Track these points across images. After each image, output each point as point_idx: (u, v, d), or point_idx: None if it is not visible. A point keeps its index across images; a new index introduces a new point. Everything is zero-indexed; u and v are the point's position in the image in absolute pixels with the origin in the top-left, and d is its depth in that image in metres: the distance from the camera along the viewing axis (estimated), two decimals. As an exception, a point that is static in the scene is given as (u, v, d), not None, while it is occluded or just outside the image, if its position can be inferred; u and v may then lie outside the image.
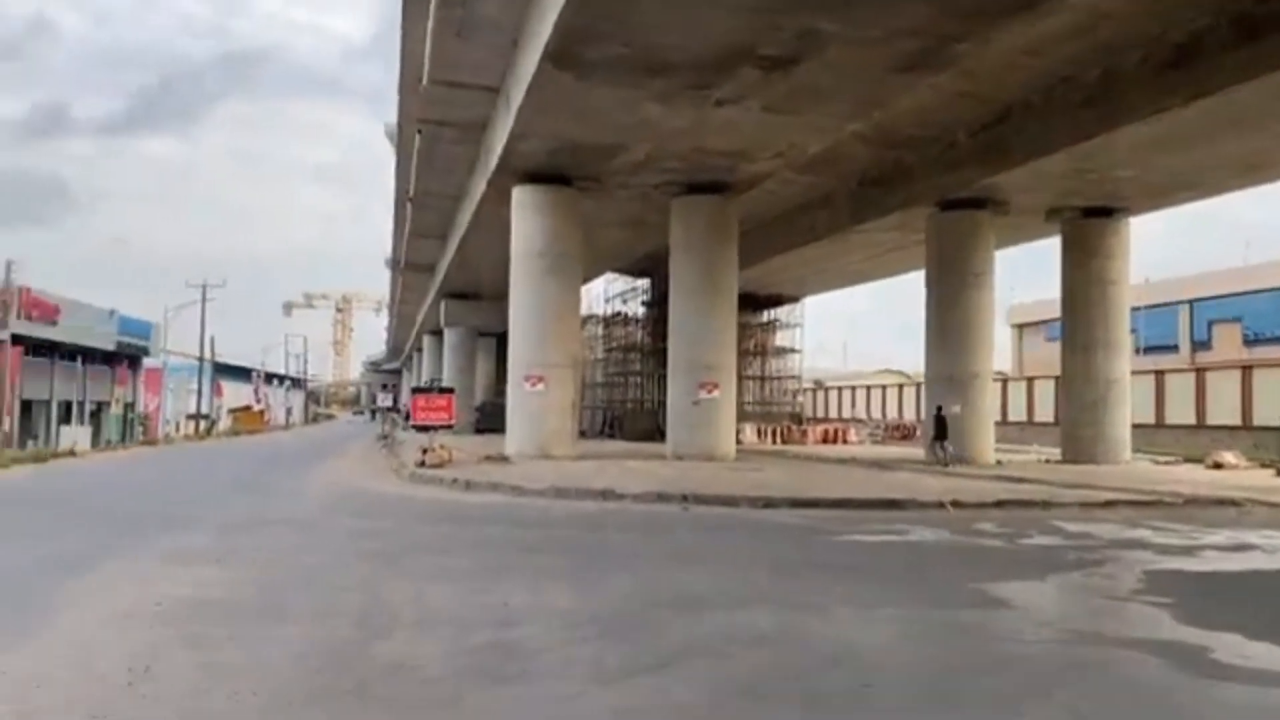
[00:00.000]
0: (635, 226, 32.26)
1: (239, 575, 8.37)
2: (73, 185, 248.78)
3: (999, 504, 14.69)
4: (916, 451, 36.02)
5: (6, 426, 34.08)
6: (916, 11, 15.02)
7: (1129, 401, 28.52)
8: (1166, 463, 27.34)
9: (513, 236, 25.76)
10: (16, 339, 41.59)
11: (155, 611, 6.84)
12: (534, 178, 24.89)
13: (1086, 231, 28.30)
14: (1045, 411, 44.10)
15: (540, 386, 24.60)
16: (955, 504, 14.36)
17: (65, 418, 50.00)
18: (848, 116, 20.42)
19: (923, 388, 60.51)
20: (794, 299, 49.78)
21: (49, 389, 48.40)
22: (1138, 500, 15.87)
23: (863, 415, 63.59)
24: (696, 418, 25.27)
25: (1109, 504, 15.34)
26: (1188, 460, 27.54)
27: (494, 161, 24.61)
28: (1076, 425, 28.54)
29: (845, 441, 42.65)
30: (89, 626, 6.42)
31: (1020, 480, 19.84)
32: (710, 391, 25.29)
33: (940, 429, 26.39)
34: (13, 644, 5.93)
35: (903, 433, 45.48)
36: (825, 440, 42.62)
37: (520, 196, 25.34)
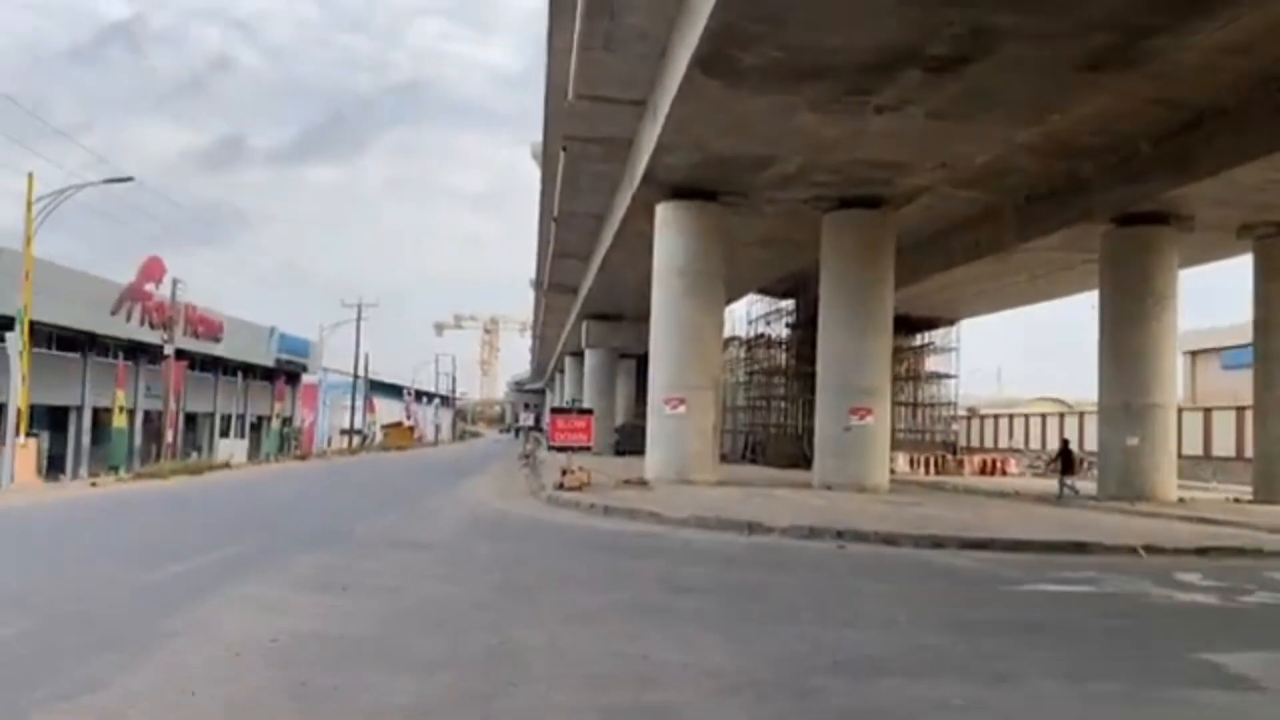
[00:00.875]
0: (781, 244, 31.16)
1: (364, 606, 7.76)
2: (247, 212, 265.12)
3: (1200, 551, 12.90)
4: (1086, 485, 33.50)
5: (170, 438, 35.48)
6: (1108, 1, 13.54)
7: (1335, 436, 25.58)
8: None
9: (655, 254, 25.07)
10: (181, 354, 43.57)
11: (268, 649, 6.24)
12: (679, 193, 24.16)
13: (1283, 249, 25.62)
14: (1224, 445, 40.64)
15: (680, 409, 23.75)
16: (1149, 549, 12.68)
17: (226, 431, 52.25)
18: (1020, 123, 18.83)
19: (1086, 417, 57.30)
20: (950, 322, 47.47)
21: (212, 402, 50.65)
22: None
23: (1020, 445, 60.30)
24: (847, 445, 23.89)
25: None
26: None
27: (638, 176, 24.01)
28: (1272, 461, 25.74)
29: (1005, 473, 40.24)
30: (194, 663, 5.85)
31: (1213, 522, 17.77)
32: (863, 418, 23.89)
33: (1067, 463, 26.33)
34: (110, 677, 5.41)
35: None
36: (983, 472, 40.32)
37: (664, 213, 24.64)
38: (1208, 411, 46.47)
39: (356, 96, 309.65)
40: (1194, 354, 59.65)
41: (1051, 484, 34.19)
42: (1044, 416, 64.35)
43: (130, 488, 20.86)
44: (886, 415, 25.13)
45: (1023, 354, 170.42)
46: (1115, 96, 20.63)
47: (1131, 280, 25.50)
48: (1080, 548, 12.74)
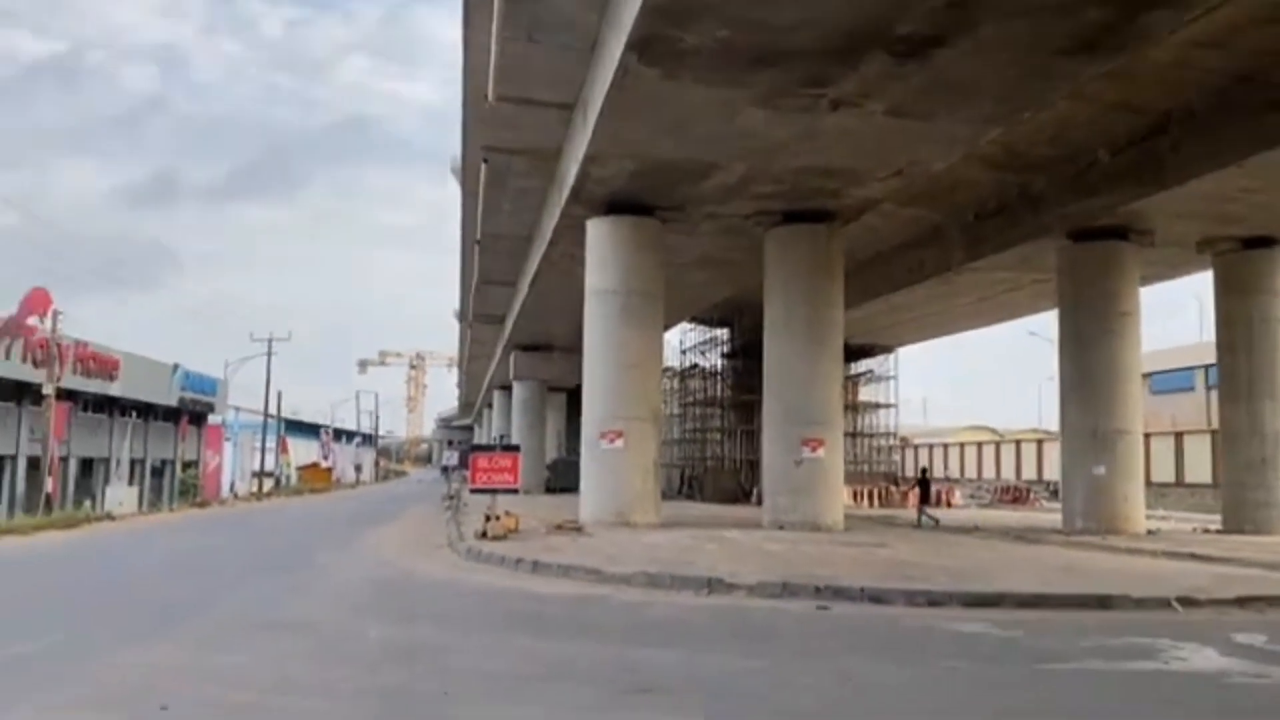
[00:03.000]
0: (720, 266, 29.20)
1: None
2: (178, 251, 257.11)
3: (1239, 602, 10.96)
4: (1040, 517, 32.07)
5: (51, 487, 31.92)
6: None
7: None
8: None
9: (587, 274, 22.85)
10: (71, 394, 39.94)
11: None
12: (612, 208, 22.04)
13: (1246, 265, 24.41)
14: (1163, 471, 39.84)
15: (618, 443, 21.47)
16: (1183, 602, 10.72)
17: (131, 477, 48.32)
18: (988, 121, 17.07)
19: (1023, 446, 56.49)
20: (887, 349, 46.07)
21: (108, 446, 46.78)
22: None
23: (955, 475, 59.30)
24: (800, 480, 21.80)
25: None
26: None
27: (567, 190, 21.85)
28: (1241, 488, 24.34)
29: (950, 505, 38.63)
30: None
31: (1210, 559, 16.03)
32: (815, 449, 21.86)
33: (925, 492, 27.33)
34: None
35: (1014, 495, 41.26)
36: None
37: (596, 230, 22.47)
38: (1147, 437, 45.89)
39: (287, 134, 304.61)
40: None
41: (1022, 514, 32.95)
42: (980, 445, 63.72)
43: (-27, 549, 17.77)
44: (839, 447, 23.17)
45: (948, 384, 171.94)
46: (1073, 105, 19.25)
47: (1092, 299, 24.07)
48: (1104, 603, 10.71)
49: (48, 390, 31.18)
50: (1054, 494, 45.95)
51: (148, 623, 9.20)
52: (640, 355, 22.14)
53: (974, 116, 16.61)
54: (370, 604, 10.66)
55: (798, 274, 22.62)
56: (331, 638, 8.50)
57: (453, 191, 31.90)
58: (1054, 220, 23.93)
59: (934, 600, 10.62)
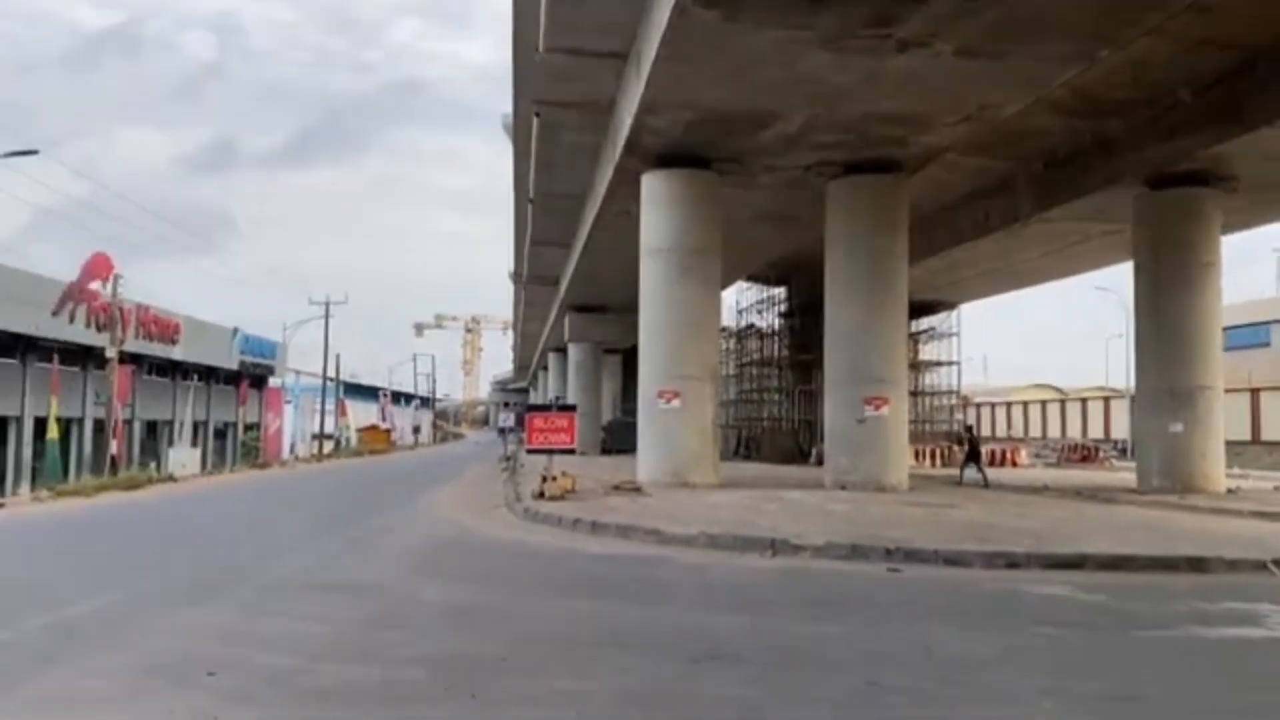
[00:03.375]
0: (778, 221, 28.47)
1: (224, 716, 5.01)
2: (236, 216, 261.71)
3: (1344, 565, 10.25)
4: (1111, 476, 31.12)
5: (116, 449, 32.43)
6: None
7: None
8: None
9: (642, 231, 22.33)
10: (134, 358, 40.56)
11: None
12: (666, 161, 21.44)
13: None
14: (1238, 429, 38.43)
15: (675, 403, 21.04)
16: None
17: (195, 439, 49.20)
18: (1066, 60, 16.13)
19: (1090, 404, 55.08)
20: (949, 305, 44.90)
21: (171, 409, 47.59)
22: None
23: (1019, 434, 58.10)
24: (862, 439, 21.22)
25: None
26: None
27: (620, 144, 21.28)
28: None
29: (1015, 464, 37.74)
30: None
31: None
32: (878, 408, 21.24)
33: (974, 451, 26.68)
34: None
35: (1082, 455, 40.13)
36: (992, 463, 37.75)
37: (651, 184, 21.91)
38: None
39: (342, 98, 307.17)
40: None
41: (1092, 474, 32.06)
42: (1044, 404, 62.32)
43: (37, 510, 17.94)
44: (904, 405, 22.51)
45: (1009, 342, 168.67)
46: (1156, 42, 18.14)
47: (1170, 249, 23.00)
48: (1195, 565, 10.08)
49: (110, 354, 31.54)
50: (1123, 453, 44.76)
51: (202, 584, 9.03)
52: (697, 313, 21.63)
53: (1049, 55, 15.71)
54: (427, 565, 10.41)
55: (861, 227, 21.89)
56: (387, 600, 8.23)
57: (506, 152, 31.51)
58: (1130, 167, 22.82)
59: (1013, 562, 10.07)
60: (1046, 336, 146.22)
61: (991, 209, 29.18)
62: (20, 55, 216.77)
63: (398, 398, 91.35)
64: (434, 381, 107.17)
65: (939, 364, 46.65)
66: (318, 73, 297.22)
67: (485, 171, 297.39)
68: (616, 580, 9.40)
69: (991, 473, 32.85)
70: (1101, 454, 40.73)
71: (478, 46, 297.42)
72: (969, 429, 26.67)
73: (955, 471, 32.82)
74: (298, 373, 64.30)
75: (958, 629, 7.25)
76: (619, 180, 23.36)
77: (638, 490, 18.68)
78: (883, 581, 9.32)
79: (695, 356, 21.32)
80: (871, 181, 21.64)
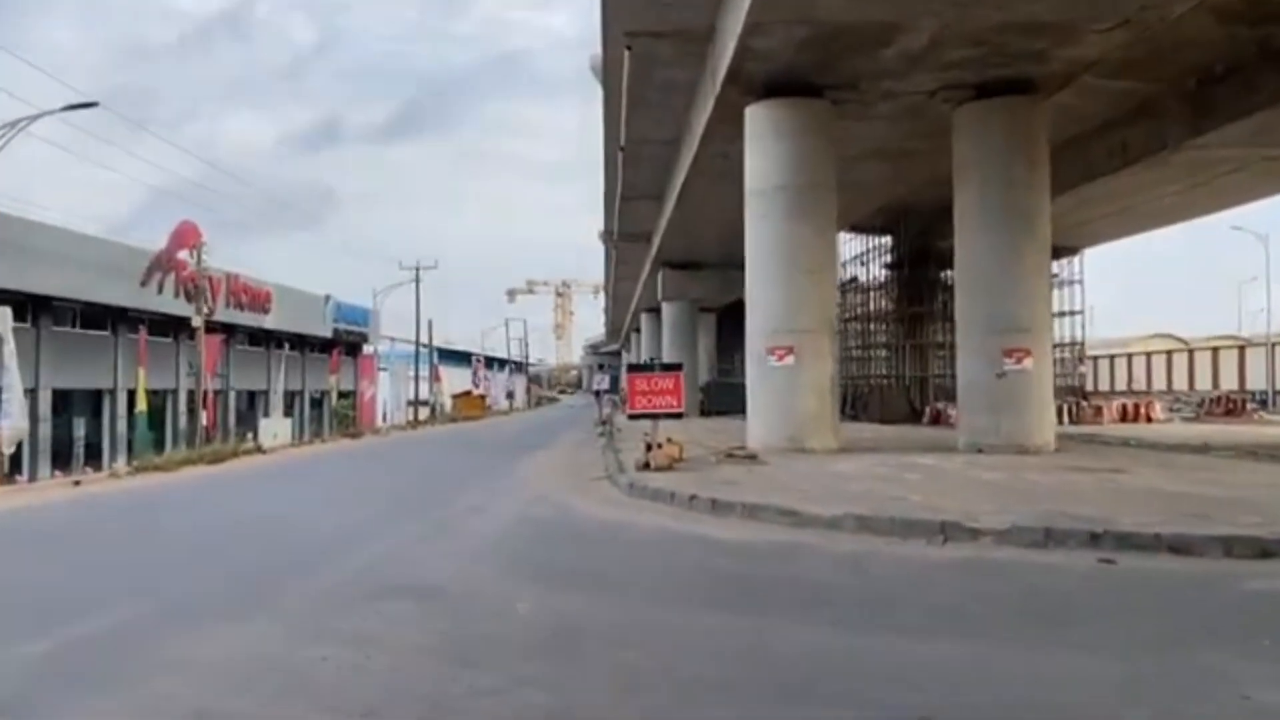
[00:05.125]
0: (894, 159, 26.02)
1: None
2: (337, 191, 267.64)
3: None
4: (1266, 430, 28.03)
5: (207, 420, 31.82)
6: None
7: None
8: None
9: (746, 170, 20.20)
10: (226, 327, 40.09)
11: None
12: (774, 90, 19.25)
13: None
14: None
15: (789, 359, 18.98)
16: None
17: (290, 408, 48.97)
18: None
19: (1221, 354, 50.98)
20: (1072, 250, 41.50)
21: (266, 379, 47.32)
22: None
23: (1141, 387, 54.31)
24: (1001, 396, 18.88)
25: None
26: None
27: (722, 73, 19.15)
28: None
29: (1150, 420, 34.63)
30: None
31: None
32: (1019, 361, 18.87)
33: None
34: None
35: (1227, 407, 36.67)
36: (1124, 419, 34.75)
37: (756, 116, 19.73)
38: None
39: (439, 75, 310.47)
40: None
41: (1242, 428, 29.08)
42: (1169, 354, 58.16)
43: (110, 487, 16.88)
44: (1048, 355, 20.10)
45: (1120, 290, 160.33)
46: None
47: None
48: None
49: (197, 322, 30.81)
50: (1262, 404, 41.06)
51: (248, 587, 7.45)
52: (812, 258, 19.45)
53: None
54: (520, 559, 8.64)
55: (996, 158, 19.41)
56: (469, 614, 6.43)
57: (596, 114, 29.63)
58: (1307, 78, 19.80)
59: (1267, 551, 7.83)
60: (1162, 283, 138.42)
61: (1131, 138, 26.17)
62: (138, 44, 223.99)
63: (491, 363, 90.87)
64: (526, 346, 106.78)
65: (1061, 314, 43.36)
66: (415, 47, 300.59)
67: (573, 142, 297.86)
68: (759, 581, 7.47)
69: (1131, 430, 30.08)
70: (1249, 406, 37.24)
71: (562, 17, 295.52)
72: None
73: (1085, 429, 30.12)
74: (392, 339, 63.85)
75: (1249, 661, 5.13)
76: (718, 117, 21.26)
77: (753, 458, 16.74)
78: (1102, 580, 7.19)
79: (811, 306, 19.20)
80: (1006, 105, 19.14)
